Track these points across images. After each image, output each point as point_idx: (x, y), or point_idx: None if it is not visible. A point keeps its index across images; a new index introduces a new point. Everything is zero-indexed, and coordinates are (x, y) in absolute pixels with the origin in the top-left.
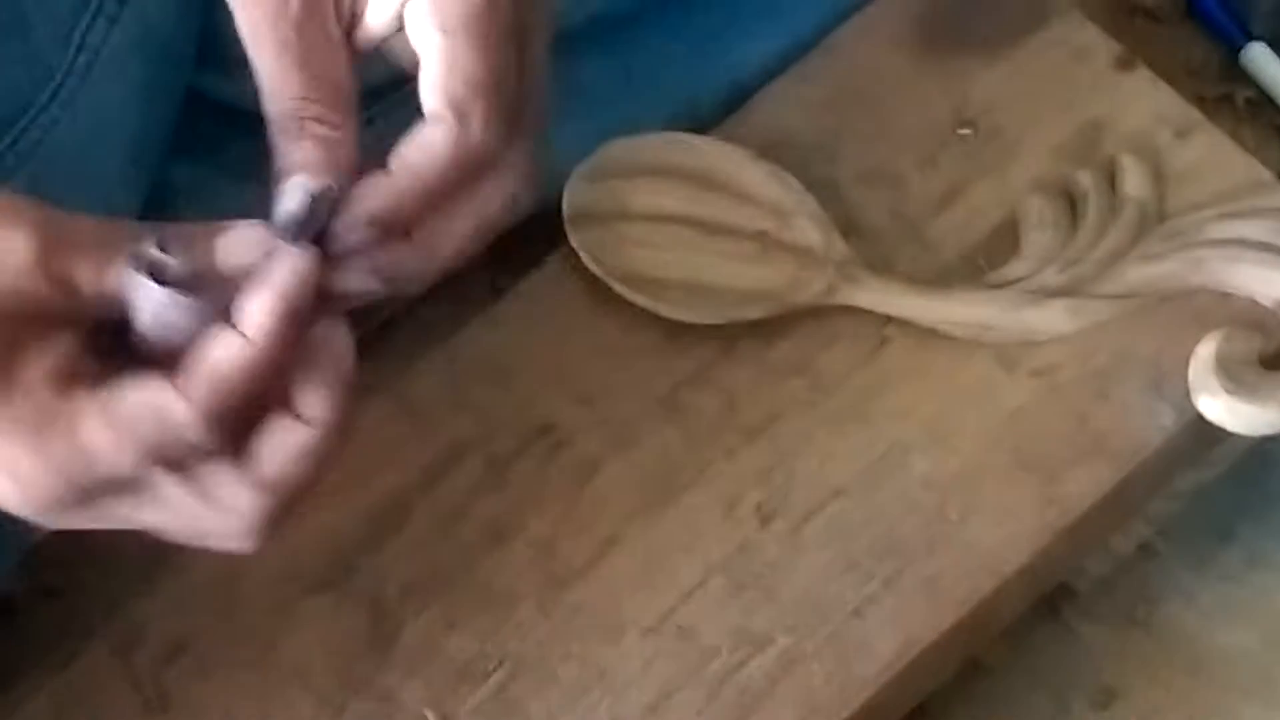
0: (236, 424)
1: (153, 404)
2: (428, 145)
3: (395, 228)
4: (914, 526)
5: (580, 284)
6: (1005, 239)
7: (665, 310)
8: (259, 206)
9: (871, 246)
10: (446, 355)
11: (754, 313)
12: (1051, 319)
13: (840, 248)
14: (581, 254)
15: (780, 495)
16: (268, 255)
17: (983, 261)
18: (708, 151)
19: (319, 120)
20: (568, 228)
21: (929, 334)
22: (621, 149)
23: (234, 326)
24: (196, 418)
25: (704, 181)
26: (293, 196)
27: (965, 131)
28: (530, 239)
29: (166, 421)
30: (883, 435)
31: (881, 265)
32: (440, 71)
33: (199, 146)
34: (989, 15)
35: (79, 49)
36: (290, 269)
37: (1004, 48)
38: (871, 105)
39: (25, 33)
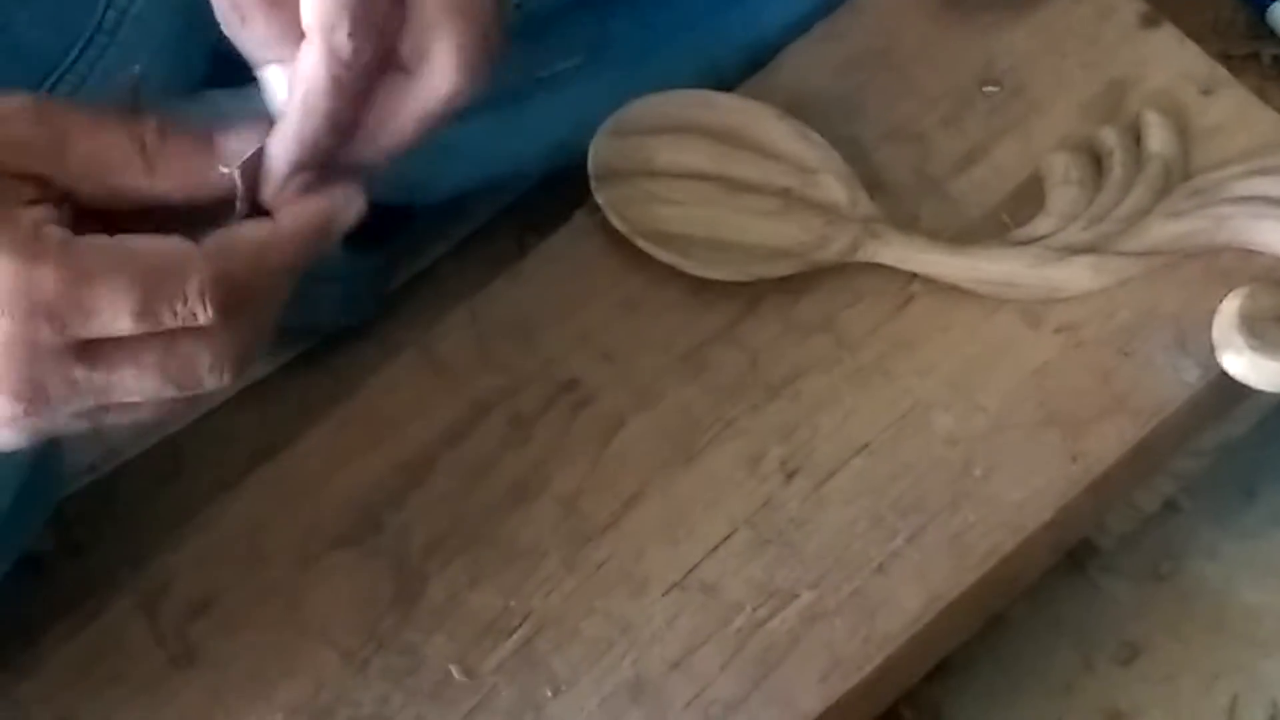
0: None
1: (164, 244)
2: (303, 73)
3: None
4: (938, 483)
5: (605, 241)
6: (1030, 196)
7: (690, 267)
8: None
9: (896, 204)
10: (472, 312)
11: (779, 270)
12: (1076, 276)
13: (865, 205)
14: (607, 211)
15: (804, 451)
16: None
17: (1007, 218)
18: (733, 109)
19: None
20: (593, 184)
21: (953, 291)
22: (646, 106)
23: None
24: (205, 273)
25: (729, 138)
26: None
27: (990, 89)
28: (556, 196)
29: (173, 261)
30: (907, 392)
31: (906, 223)
32: None
33: None
34: None
35: (107, 6)
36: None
37: (1029, 5)
38: (896, 63)
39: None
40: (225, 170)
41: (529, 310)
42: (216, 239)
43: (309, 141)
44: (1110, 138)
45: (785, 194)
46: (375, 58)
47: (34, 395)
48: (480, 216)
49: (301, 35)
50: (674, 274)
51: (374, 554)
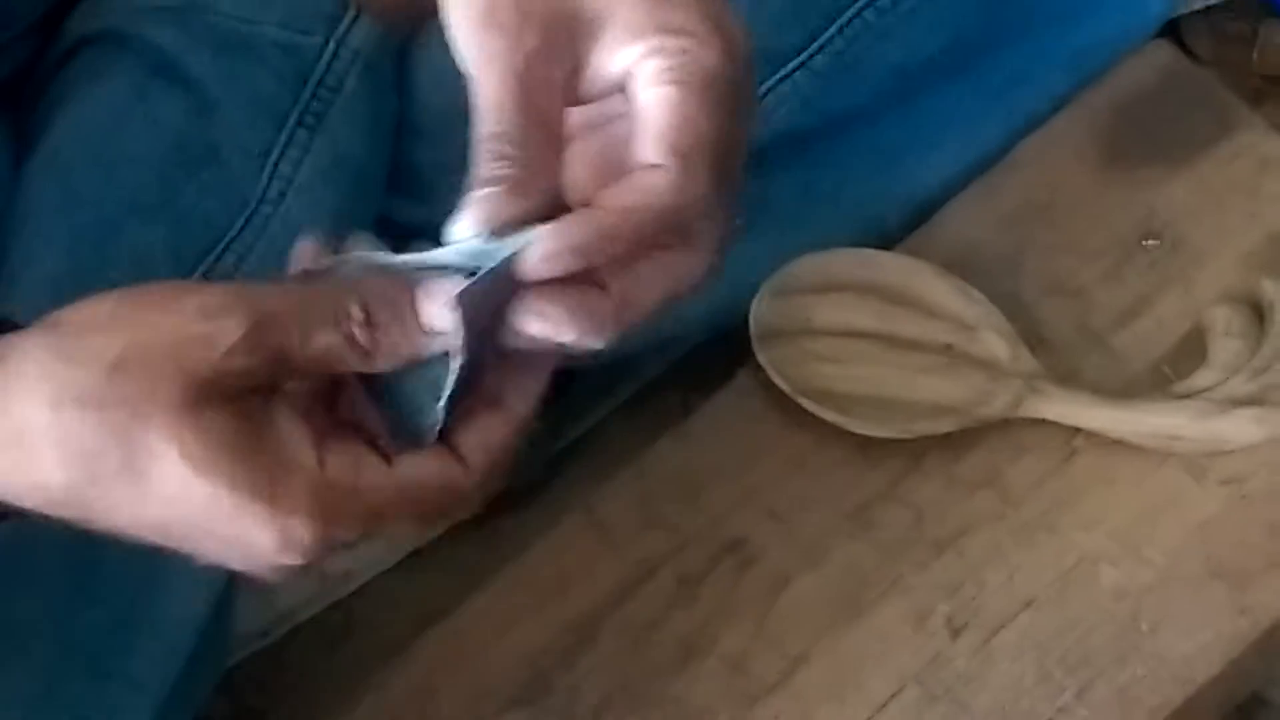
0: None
1: (444, 479)
2: (646, 188)
3: (595, 264)
4: (1105, 637)
5: (768, 400)
6: (1192, 349)
7: (853, 425)
8: None
9: (1058, 359)
10: (637, 473)
11: (942, 426)
12: (1240, 428)
13: (1027, 360)
14: (769, 370)
15: (971, 607)
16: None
17: (1170, 372)
18: (893, 267)
19: (522, 150)
20: (755, 344)
21: (1117, 445)
22: (807, 265)
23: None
24: (476, 488)
25: (890, 296)
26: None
27: (1151, 243)
28: (719, 356)
29: (452, 493)
30: (1072, 546)
31: (1068, 377)
32: (669, 122)
33: None
34: (1173, 126)
35: (272, 177)
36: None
37: (1188, 159)
38: (1056, 218)
39: (220, 163)
40: (440, 328)
41: (694, 470)
42: (481, 451)
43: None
44: (1271, 290)
45: (947, 351)
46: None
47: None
48: (643, 377)
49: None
50: (837, 432)
51: (545, 715)
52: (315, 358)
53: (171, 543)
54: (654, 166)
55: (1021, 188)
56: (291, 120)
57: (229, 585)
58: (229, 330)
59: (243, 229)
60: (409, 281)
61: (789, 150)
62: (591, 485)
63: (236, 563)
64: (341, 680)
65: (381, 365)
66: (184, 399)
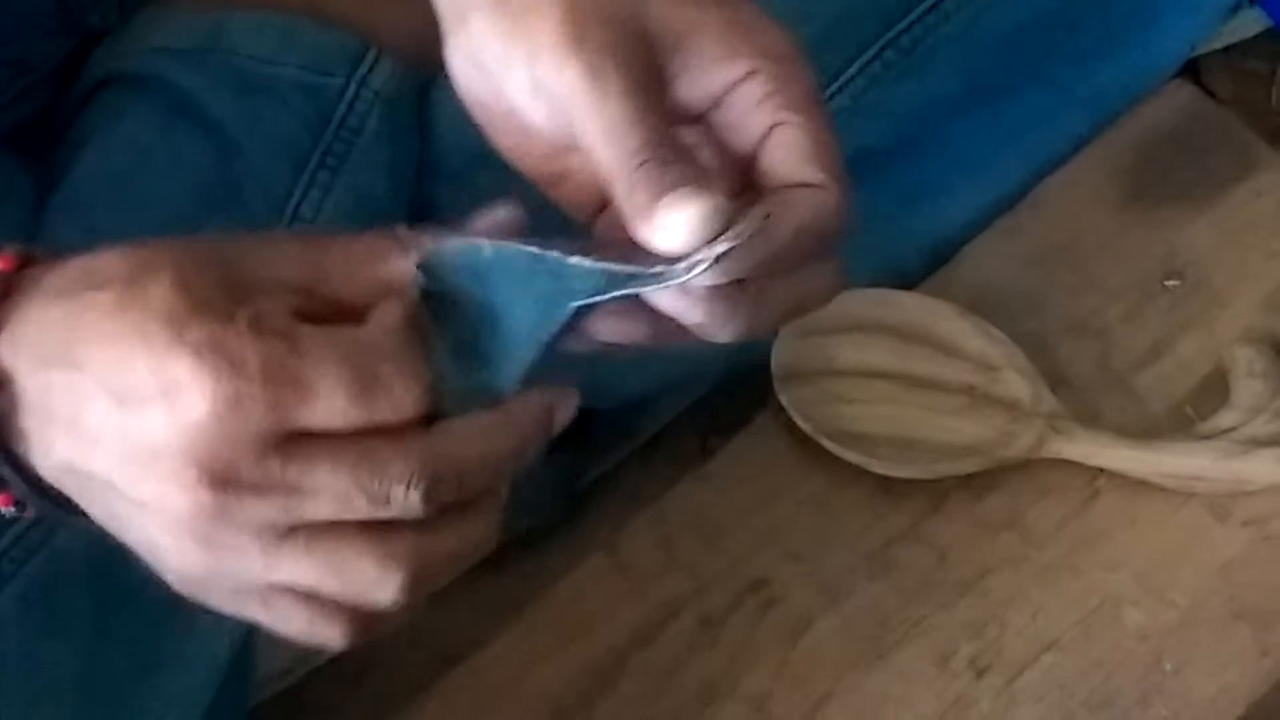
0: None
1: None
2: (817, 206)
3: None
4: (1129, 678)
5: (789, 441)
6: (1214, 389)
7: (875, 466)
8: None
9: (1079, 399)
10: (658, 514)
11: (964, 467)
12: (1263, 469)
13: (1049, 401)
14: (790, 411)
15: (994, 649)
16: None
17: (1192, 412)
18: (914, 307)
19: (680, 156)
20: (776, 385)
21: (1140, 485)
22: (828, 306)
23: None
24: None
25: (911, 337)
26: (699, 204)
27: (1172, 283)
28: (739, 397)
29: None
30: (1095, 587)
31: (1090, 417)
32: (813, 146)
33: None
34: (1194, 167)
35: (293, 218)
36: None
37: (1209, 199)
38: (1077, 258)
39: (241, 204)
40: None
41: (715, 511)
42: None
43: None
44: None
45: (969, 391)
46: None
47: (225, 475)
48: (662, 418)
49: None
50: (859, 473)
51: None
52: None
53: (127, 388)
54: (817, 187)
55: (1042, 228)
56: (313, 161)
57: (252, 626)
58: (287, 250)
59: None
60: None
61: None
62: (613, 526)
63: (166, 394)
64: None
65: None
66: (215, 261)
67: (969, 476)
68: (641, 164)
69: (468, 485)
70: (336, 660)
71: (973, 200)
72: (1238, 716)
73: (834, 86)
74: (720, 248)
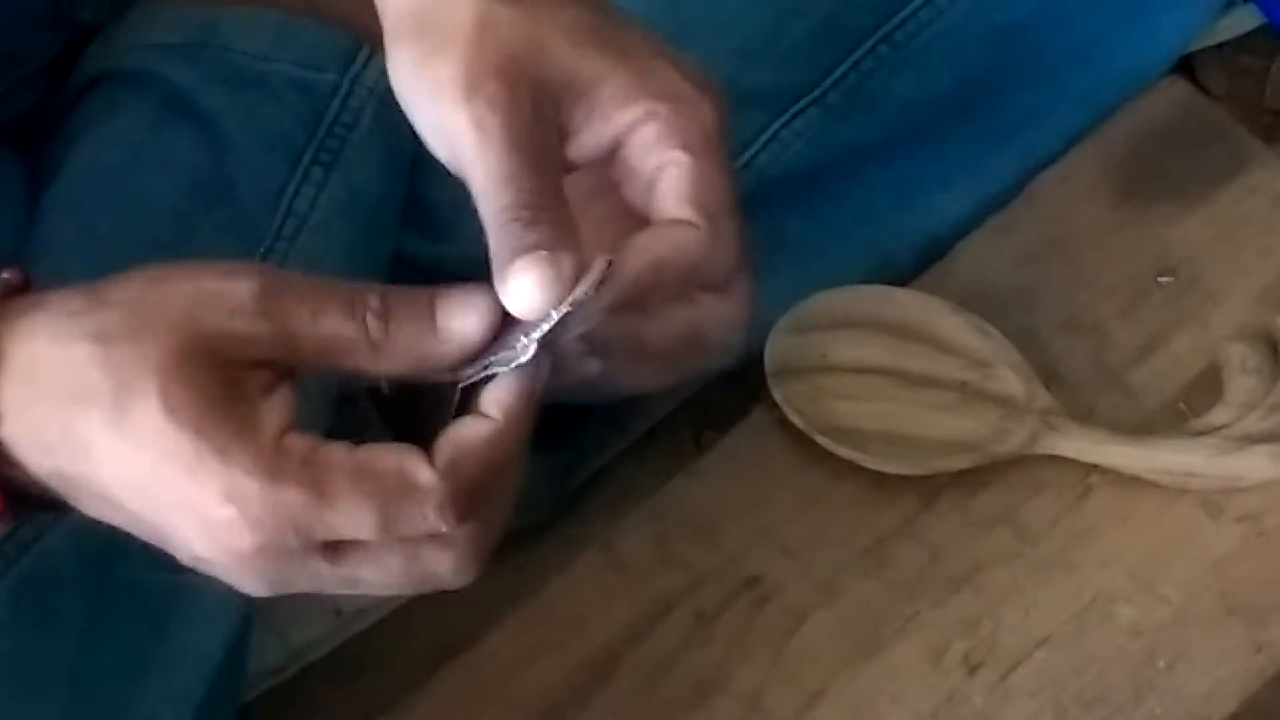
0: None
1: (402, 468)
2: (677, 242)
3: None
4: (1121, 675)
5: (783, 437)
6: (1208, 386)
7: (868, 462)
8: None
9: (1073, 395)
10: (652, 510)
11: (957, 463)
12: (1256, 465)
13: (1043, 397)
14: (784, 407)
15: (987, 645)
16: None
17: (1185, 408)
18: (908, 303)
19: (547, 214)
20: (770, 381)
21: (1133, 482)
22: (822, 302)
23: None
24: (443, 492)
25: (905, 333)
26: (540, 271)
27: (1166, 279)
28: (733, 393)
29: (413, 487)
30: (1088, 583)
31: (1084, 414)
32: (690, 186)
33: None
34: (1187, 163)
35: (287, 214)
36: (535, 368)
37: (1203, 195)
38: (1071, 255)
39: (234, 200)
40: (446, 354)
41: (709, 507)
42: (449, 452)
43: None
44: None
45: (962, 387)
46: None
47: (283, 586)
48: (656, 413)
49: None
50: (853, 469)
51: None
52: (323, 341)
53: (141, 505)
54: (685, 224)
55: (1036, 224)
56: (306, 157)
57: (245, 623)
58: (240, 291)
59: None
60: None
61: (802, 186)
62: (607, 522)
63: (194, 537)
64: (356, 718)
65: (389, 365)
66: (183, 347)
67: (962, 473)
68: (507, 222)
69: (492, 488)
70: (330, 657)
71: (966, 196)
72: (1230, 713)
73: (827, 82)
74: (555, 315)
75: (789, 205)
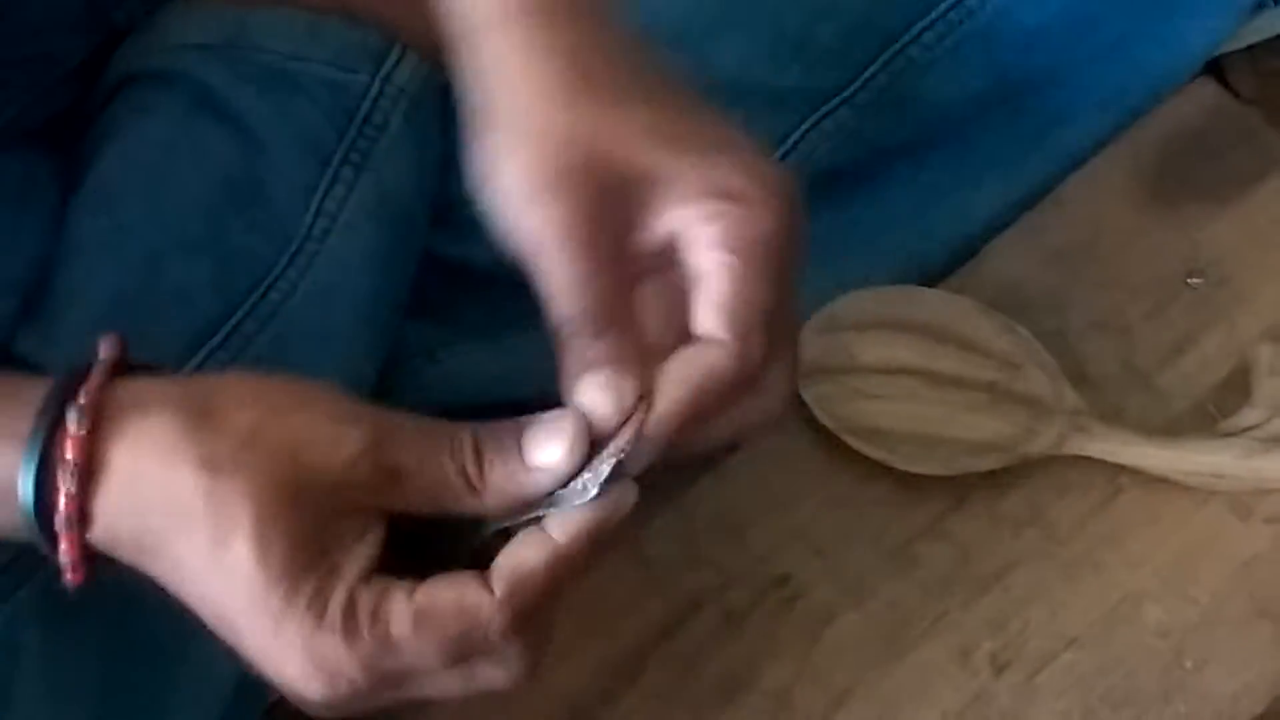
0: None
1: (463, 604)
2: (710, 367)
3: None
4: (1149, 675)
5: (813, 437)
6: (1236, 387)
7: (897, 462)
8: (493, 362)
9: (1102, 396)
10: (681, 510)
11: (986, 464)
12: None
13: (1071, 398)
14: (813, 407)
15: (1014, 645)
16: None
17: (1214, 410)
18: (937, 304)
19: (610, 324)
20: (799, 381)
21: (1161, 483)
22: (851, 303)
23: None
24: (503, 620)
25: (934, 333)
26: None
27: (1195, 280)
28: None
29: (474, 621)
30: (1116, 584)
31: (1112, 415)
32: (727, 293)
33: (432, 305)
34: (1216, 165)
35: (317, 214)
36: (613, 503)
37: (1232, 196)
38: (1100, 256)
39: (265, 201)
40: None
41: (738, 507)
42: (509, 578)
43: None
44: None
45: (991, 388)
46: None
47: (344, 712)
48: None
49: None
50: (881, 469)
51: None
52: (428, 485)
53: (222, 627)
54: (715, 342)
55: (1066, 226)
56: (337, 158)
57: None
58: (353, 439)
59: (287, 266)
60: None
61: (831, 187)
62: (636, 522)
63: (269, 670)
64: (381, 718)
65: (488, 504)
66: (286, 488)
67: (991, 473)
68: (572, 335)
69: (548, 607)
70: None
71: (995, 198)
72: (1258, 714)
73: (857, 83)
74: (605, 467)
75: (819, 205)
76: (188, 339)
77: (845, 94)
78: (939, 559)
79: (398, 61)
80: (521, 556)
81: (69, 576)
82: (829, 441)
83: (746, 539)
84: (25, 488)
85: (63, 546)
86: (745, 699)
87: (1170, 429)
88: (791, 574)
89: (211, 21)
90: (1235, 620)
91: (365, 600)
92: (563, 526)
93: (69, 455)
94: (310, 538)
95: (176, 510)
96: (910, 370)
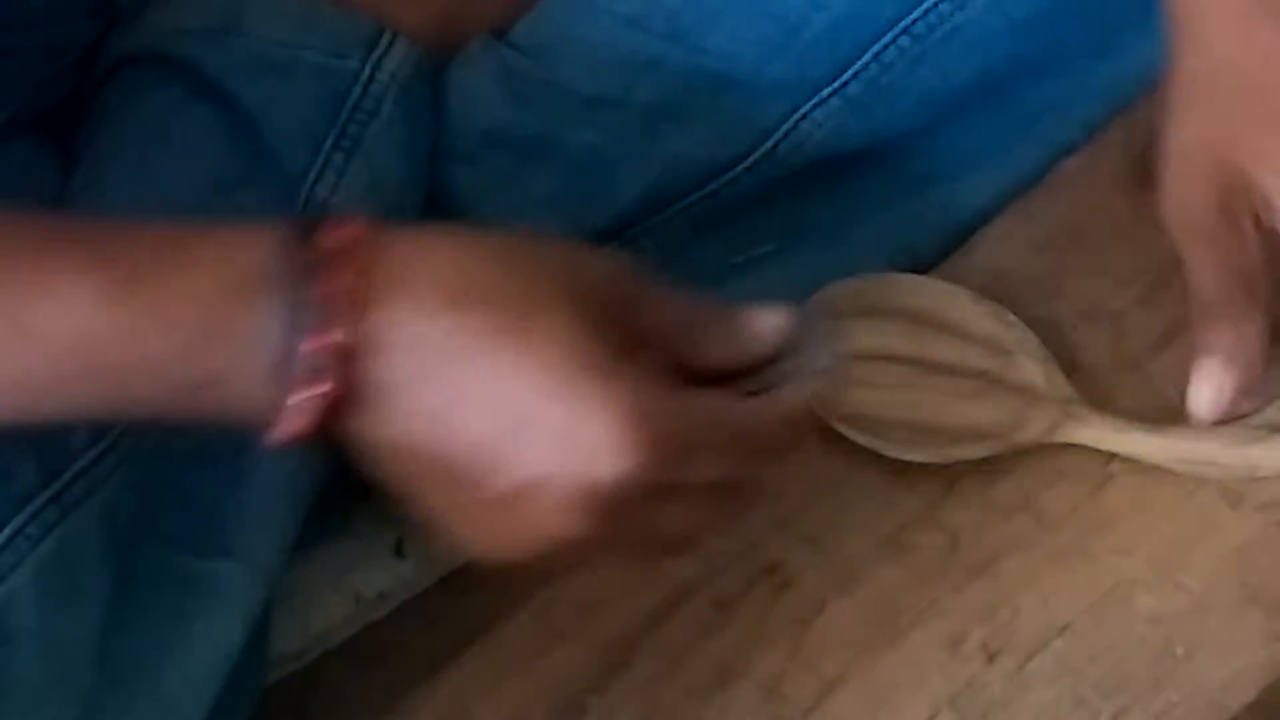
0: None
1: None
2: None
3: None
4: (1140, 663)
5: None
6: None
7: (888, 450)
8: None
9: (1093, 383)
10: None
11: (977, 452)
12: (1276, 454)
13: (1062, 386)
14: None
15: (1005, 632)
16: None
17: None
18: (929, 291)
19: (1233, 310)
20: None
21: (1153, 470)
22: (842, 290)
23: None
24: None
25: (925, 321)
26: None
27: None
28: None
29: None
30: (1108, 571)
31: (1103, 402)
32: None
33: None
34: None
35: (308, 200)
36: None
37: None
38: (1092, 242)
39: (257, 184)
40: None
41: None
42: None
43: None
44: None
45: (983, 376)
46: None
47: (604, 520)
48: None
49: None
50: (872, 456)
51: None
52: (666, 320)
53: (496, 418)
54: None
55: (1057, 212)
56: (329, 143)
57: (265, 608)
58: (608, 260)
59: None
60: None
61: (823, 176)
62: None
63: (583, 444)
64: (375, 703)
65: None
66: (584, 275)
67: (982, 461)
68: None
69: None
70: (350, 641)
71: (987, 186)
72: (1249, 701)
73: (848, 74)
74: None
75: (810, 194)
76: None
77: (836, 84)
78: (930, 546)
79: (388, 48)
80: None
81: (298, 426)
82: (819, 429)
83: (736, 526)
84: (275, 330)
85: (310, 392)
86: (736, 687)
87: (1162, 415)
88: (782, 561)
89: (204, 6)
90: (1226, 608)
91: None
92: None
93: (333, 292)
94: (616, 316)
95: (480, 287)
96: (901, 358)
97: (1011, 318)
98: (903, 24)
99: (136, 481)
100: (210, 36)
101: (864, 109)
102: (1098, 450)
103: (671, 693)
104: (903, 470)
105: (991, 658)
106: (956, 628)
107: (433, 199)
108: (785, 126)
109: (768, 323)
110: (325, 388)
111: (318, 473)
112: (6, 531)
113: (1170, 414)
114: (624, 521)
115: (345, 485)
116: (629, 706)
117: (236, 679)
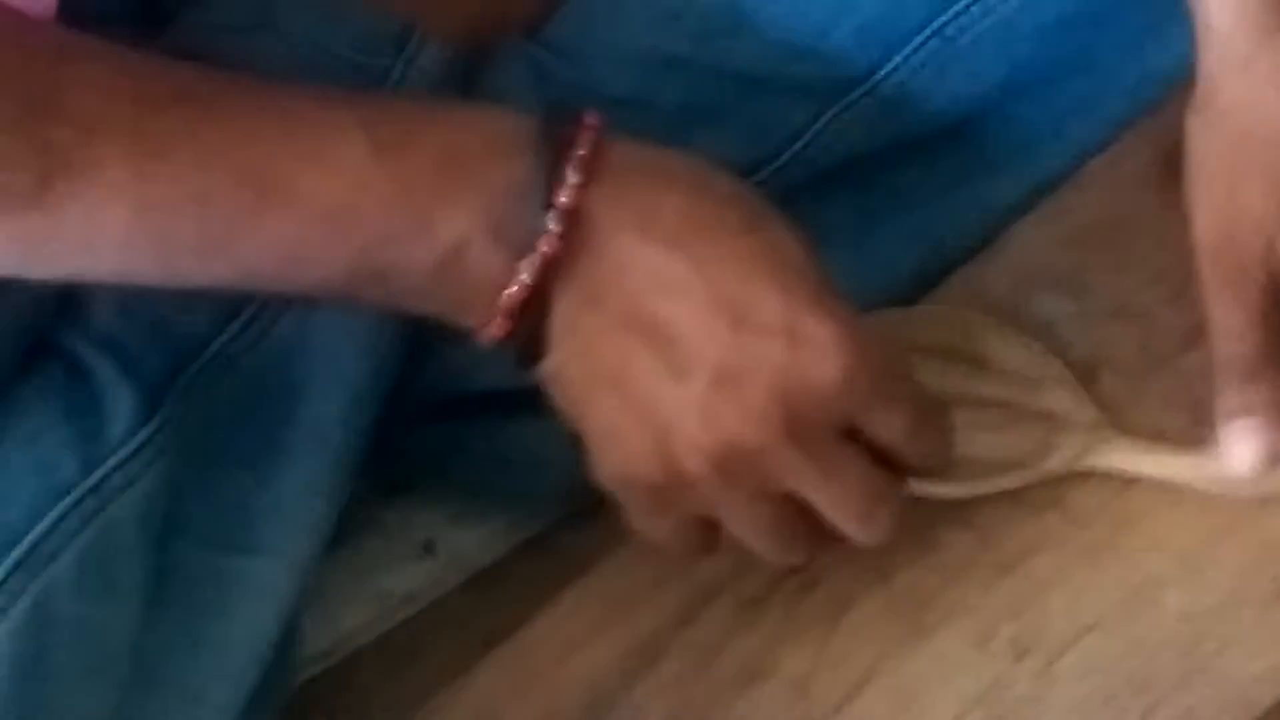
0: None
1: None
2: None
3: None
4: (1170, 660)
5: None
6: None
7: (915, 489)
8: None
9: (1123, 381)
10: None
11: (1004, 484)
12: None
13: (1090, 411)
14: None
15: (1034, 630)
16: None
17: None
18: (947, 323)
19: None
20: None
21: None
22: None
23: None
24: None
25: (946, 353)
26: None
27: None
28: None
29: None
30: (1137, 568)
31: (1134, 400)
32: None
33: None
34: None
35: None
36: None
37: None
38: (1121, 239)
39: None
40: None
41: None
42: None
43: None
44: None
45: (1006, 405)
46: None
47: (792, 431)
48: None
49: None
50: None
51: None
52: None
53: (738, 307)
54: None
55: (1086, 208)
56: None
57: (297, 605)
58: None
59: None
60: None
61: (851, 176)
62: None
63: (782, 345)
64: (404, 702)
65: None
66: None
67: None
68: (1224, 373)
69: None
70: (379, 641)
71: (1015, 183)
72: (1279, 698)
73: (877, 76)
74: None
75: (839, 195)
76: (215, 321)
77: (865, 87)
78: (958, 544)
79: (420, 46)
80: None
81: (519, 298)
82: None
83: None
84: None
85: (544, 250)
86: (763, 686)
87: (1193, 409)
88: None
89: (237, 4)
90: (1256, 603)
91: None
92: None
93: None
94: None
95: (709, 189)
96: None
97: (1035, 345)
98: (932, 27)
99: (173, 476)
100: (242, 34)
101: (893, 111)
102: None
103: (700, 691)
104: None
105: (1020, 655)
106: (985, 625)
107: None
108: (815, 128)
109: None
110: (558, 247)
111: (350, 470)
112: (48, 521)
113: (1201, 410)
114: (801, 449)
115: (375, 485)
116: (657, 705)
117: (267, 677)
